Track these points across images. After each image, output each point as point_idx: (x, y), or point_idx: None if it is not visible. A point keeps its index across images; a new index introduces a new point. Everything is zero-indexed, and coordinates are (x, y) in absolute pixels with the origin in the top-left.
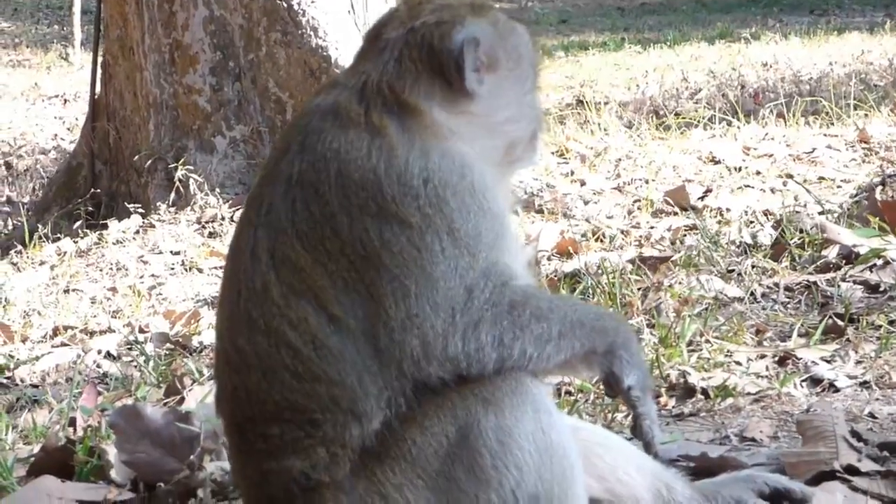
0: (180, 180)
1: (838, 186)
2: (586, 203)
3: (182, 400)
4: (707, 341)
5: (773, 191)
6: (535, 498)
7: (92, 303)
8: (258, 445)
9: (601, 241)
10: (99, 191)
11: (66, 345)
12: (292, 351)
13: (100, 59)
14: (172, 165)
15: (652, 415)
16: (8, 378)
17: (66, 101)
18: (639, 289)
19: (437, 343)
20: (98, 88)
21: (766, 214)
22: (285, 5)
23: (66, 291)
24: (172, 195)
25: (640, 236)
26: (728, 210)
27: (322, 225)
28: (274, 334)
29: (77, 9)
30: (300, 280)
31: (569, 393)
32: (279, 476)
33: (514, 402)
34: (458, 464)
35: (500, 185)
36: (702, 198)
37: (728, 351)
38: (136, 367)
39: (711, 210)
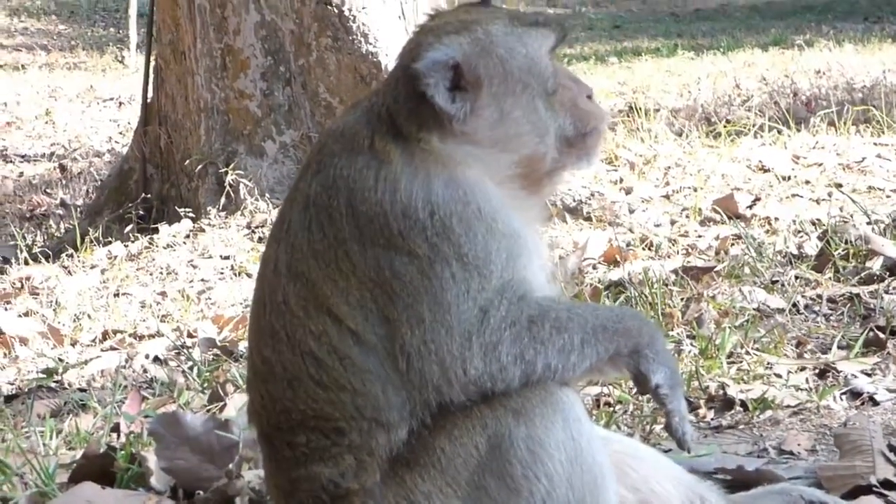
0: (230, 185)
1: (887, 196)
2: (632, 212)
3: (224, 407)
4: (747, 353)
5: (818, 202)
6: None
7: (141, 307)
8: (286, 454)
9: (649, 249)
10: (150, 195)
11: (115, 349)
12: (316, 361)
13: (152, 64)
14: (223, 170)
15: (682, 411)
16: (57, 382)
17: (120, 103)
18: (681, 299)
19: (455, 367)
20: (150, 92)
21: (813, 224)
22: (336, 11)
23: (117, 295)
24: (223, 200)
25: (688, 245)
26: (776, 219)
27: (335, 247)
28: (298, 345)
29: (133, 12)
30: (314, 295)
31: (607, 404)
32: (308, 484)
33: (544, 411)
34: (489, 473)
35: (517, 203)
36: (750, 206)
37: (768, 363)
38: (181, 372)
39: (759, 219)
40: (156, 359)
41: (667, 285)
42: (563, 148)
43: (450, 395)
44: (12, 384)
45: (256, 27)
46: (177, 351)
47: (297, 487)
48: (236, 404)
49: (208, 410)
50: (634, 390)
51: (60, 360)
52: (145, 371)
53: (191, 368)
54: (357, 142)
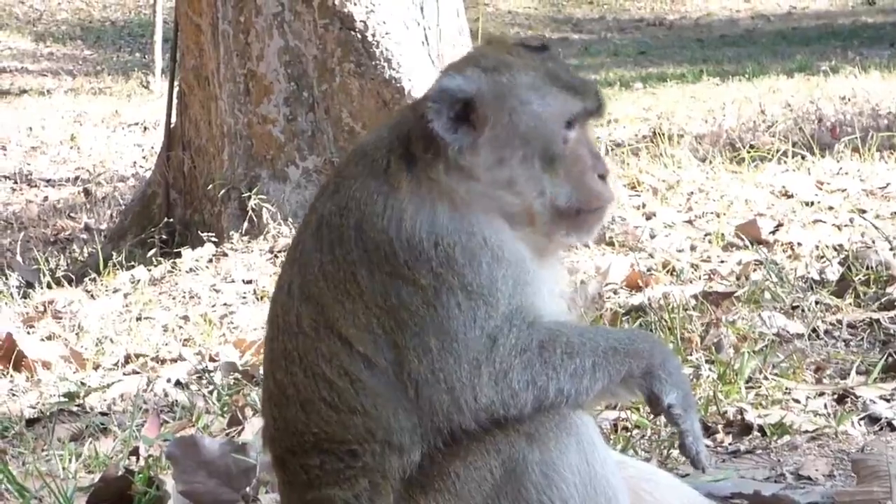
0: (253, 209)
1: None
2: (653, 237)
3: (242, 431)
4: (766, 378)
5: (840, 227)
6: None
7: (164, 331)
8: (300, 477)
9: (671, 274)
10: (173, 219)
11: (137, 372)
12: (327, 384)
13: (176, 89)
14: (246, 195)
15: (696, 431)
16: (78, 406)
17: (145, 128)
18: (701, 324)
19: (466, 395)
20: (174, 117)
21: (836, 249)
22: (359, 37)
23: (139, 319)
24: (245, 224)
25: (710, 270)
26: (799, 245)
27: (344, 269)
28: (310, 367)
29: (158, 37)
30: (325, 318)
31: (625, 429)
32: None
33: (558, 436)
34: (503, 497)
35: (527, 238)
36: (773, 232)
37: (786, 388)
38: (202, 396)
39: (782, 244)
40: (177, 383)
41: (686, 310)
42: (555, 217)
43: (461, 421)
44: (34, 408)
45: (280, 52)
46: (198, 375)
47: None
48: (254, 428)
49: (227, 434)
50: (651, 415)
51: (82, 383)
52: (166, 395)
53: (210, 392)
54: (376, 164)
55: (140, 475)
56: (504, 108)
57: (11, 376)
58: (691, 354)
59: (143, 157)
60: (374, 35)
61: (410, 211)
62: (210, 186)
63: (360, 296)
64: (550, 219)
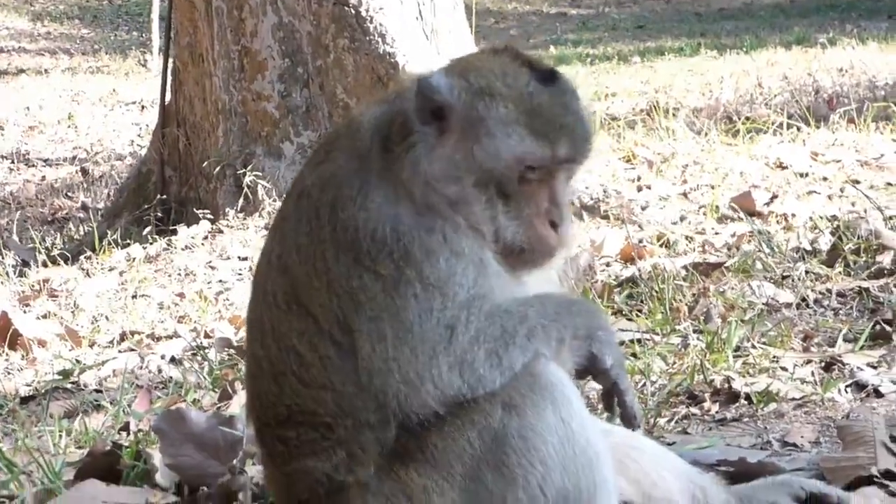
0: (248, 186)
1: None
2: (643, 209)
3: (231, 404)
4: (753, 347)
5: (830, 197)
6: (563, 491)
7: (159, 308)
8: (278, 448)
9: (666, 247)
10: (168, 197)
11: (132, 350)
12: (299, 357)
13: (170, 66)
14: (241, 171)
15: (632, 390)
16: (73, 383)
17: (143, 107)
18: (692, 295)
19: (426, 386)
20: (168, 95)
21: (829, 221)
22: (353, 12)
23: (135, 297)
24: (241, 201)
25: (704, 242)
26: (793, 216)
27: (315, 245)
28: (282, 340)
29: (155, 16)
30: (295, 291)
31: None
32: (303, 478)
33: (533, 399)
34: (484, 465)
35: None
36: (767, 204)
37: (774, 356)
38: (193, 372)
39: (776, 216)
40: (172, 359)
41: (676, 280)
42: (502, 247)
43: (424, 410)
44: (29, 385)
45: (274, 29)
46: (193, 352)
47: (292, 482)
48: (241, 401)
49: (218, 409)
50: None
51: (77, 361)
52: (160, 371)
53: (201, 368)
54: (361, 144)
55: (128, 449)
56: (470, 133)
57: (7, 355)
58: (679, 324)
59: (139, 136)
60: (367, 10)
61: (378, 202)
62: (205, 163)
63: (326, 273)
64: (500, 248)
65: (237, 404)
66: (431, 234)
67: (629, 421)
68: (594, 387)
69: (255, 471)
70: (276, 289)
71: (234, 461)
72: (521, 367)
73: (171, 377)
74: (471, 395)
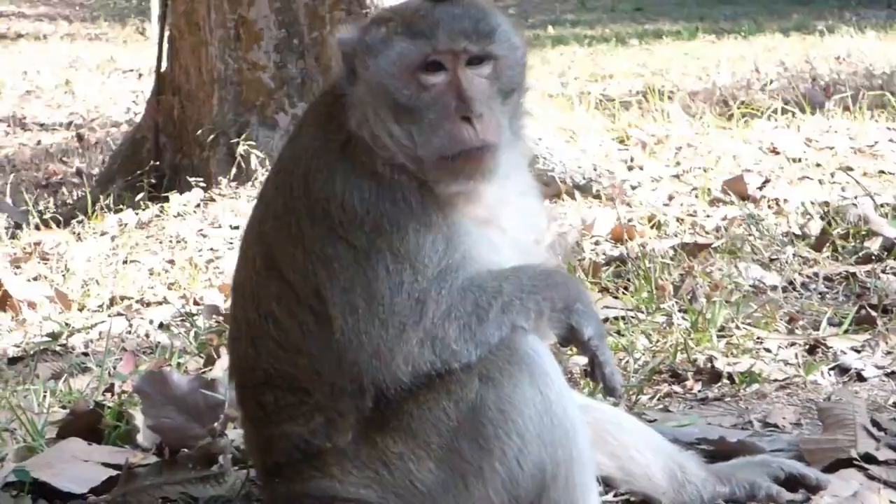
0: (242, 155)
1: None
2: (633, 188)
3: (213, 368)
4: (738, 328)
5: (821, 182)
6: (540, 463)
7: (150, 274)
8: (257, 412)
9: (656, 228)
10: (162, 164)
11: (121, 314)
12: (276, 322)
13: (167, 34)
14: (234, 140)
15: (612, 361)
16: (62, 346)
17: (140, 75)
18: (679, 274)
19: (396, 360)
20: (164, 62)
21: (821, 206)
22: None
23: (125, 262)
24: (234, 170)
25: (695, 224)
26: (785, 201)
27: (290, 215)
28: (261, 304)
29: None
30: (272, 258)
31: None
32: (281, 442)
33: (511, 371)
34: (460, 435)
35: (461, 192)
36: (760, 188)
37: (758, 338)
38: (179, 336)
39: (768, 200)
40: (160, 325)
41: (663, 261)
42: (431, 167)
43: (395, 384)
44: (18, 346)
45: None
46: (182, 318)
47: (271, 445)
48: (224, 364)
49: (202, 373)
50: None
51: (66, 324)
52: (148, 336)
53: (186, 333)
54: (335, 113)
55: (111, 410)
56: (365, 64)
57: None
58: (665, 302)
59: (135, 103)
60: None
61: (342, 175)
62: (199, 132)
63: (302, 240)
64: (429, 169)
65: (220, 367)
66: (395, 205)
67: (610, 392)
68: (577, 361)
69: (236, 434)
70: (256, 255)
71: (215, 424)
72: (498, 340)
73: (158, 342)
74: (445, 368)
